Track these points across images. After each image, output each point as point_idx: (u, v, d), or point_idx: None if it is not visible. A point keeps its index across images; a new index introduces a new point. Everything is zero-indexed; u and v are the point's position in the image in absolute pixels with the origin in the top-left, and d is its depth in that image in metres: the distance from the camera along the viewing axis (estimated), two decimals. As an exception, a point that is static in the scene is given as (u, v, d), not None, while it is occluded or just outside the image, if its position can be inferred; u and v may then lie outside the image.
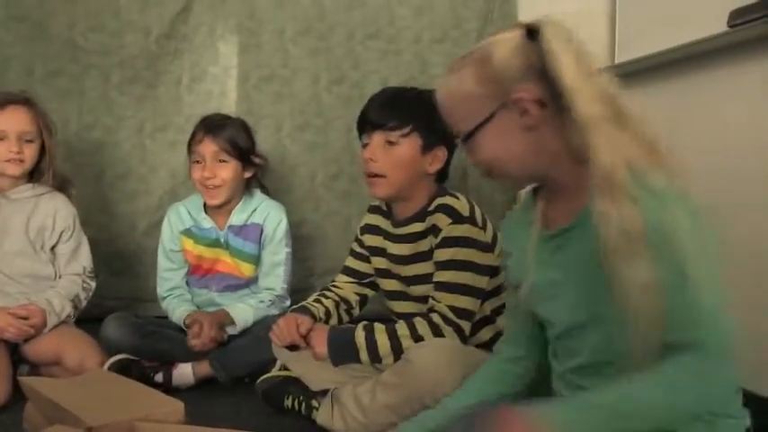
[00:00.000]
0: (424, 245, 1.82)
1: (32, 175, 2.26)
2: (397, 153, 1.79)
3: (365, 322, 1.78)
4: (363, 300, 2.06)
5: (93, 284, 2.30)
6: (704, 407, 1.10)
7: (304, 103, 2.87)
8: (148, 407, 1.68)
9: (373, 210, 2.02)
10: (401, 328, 1.71)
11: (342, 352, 1.75)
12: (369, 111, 1.83)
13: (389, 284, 1.95)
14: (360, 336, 1.74)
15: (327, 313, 1.94)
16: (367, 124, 1.83)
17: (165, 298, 2.41)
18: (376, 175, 1.81)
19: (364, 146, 1.84)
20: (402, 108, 1.80)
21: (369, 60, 2.89)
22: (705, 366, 1.03)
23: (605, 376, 1.13)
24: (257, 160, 2.39)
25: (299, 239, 2.52)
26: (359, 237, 2.03)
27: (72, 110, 2.78)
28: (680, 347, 1.03)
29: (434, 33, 2.92)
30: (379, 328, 1.74)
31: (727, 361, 1.04)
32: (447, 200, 1.78)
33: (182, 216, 2.42)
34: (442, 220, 1.75)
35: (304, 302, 1.96)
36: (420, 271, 1.83)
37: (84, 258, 2.29)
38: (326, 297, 1.99)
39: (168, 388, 2.07)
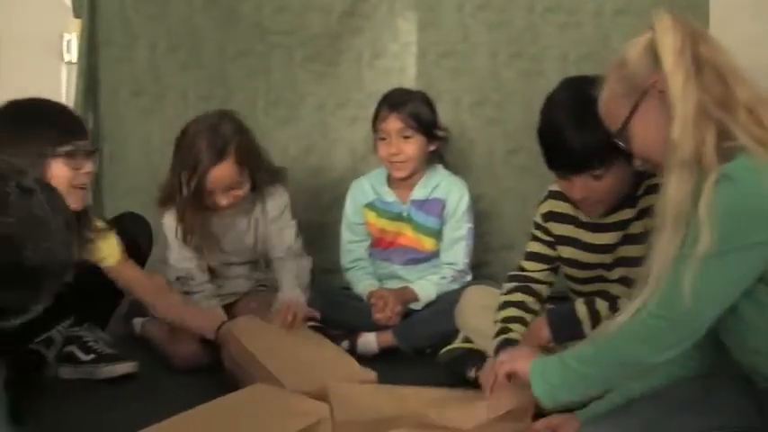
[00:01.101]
0: (637, 227, 1.76)
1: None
2: (606, 183, 1.68)
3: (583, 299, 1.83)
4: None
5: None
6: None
7: (482, 78, 2.84)
8: (343, 377, 1.75)
9: (556, 196, 1.88)
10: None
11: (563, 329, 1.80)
12: (558, 160, 1.69)
13: (578, 273, 1.90)
14: (581, 310, 1.79)
15: None
16: (562, 171, 1.71)
17: (348, 269, 2.49)
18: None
19: (561, 177, 1.74)
20: (594, 147, 1.58)
21: (548, 34, 2.81)
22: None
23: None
24: (440, 133, 2.41)
25: (477, 214, 2.51)
26: (542, 224, 1.92)
27: (259, 88, 2.90)
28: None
29: (617, 4, 2.79)
30: (600, 303, 1.77)
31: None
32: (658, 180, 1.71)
33: (365, 189, 2.49)
34: None
35: (509, 332, 1.83)
36: (628, 253, 1.77)
37: (293, 238, 2.37)
38: (529, 310, 1.89)
39: (353, 356, 2.12)
